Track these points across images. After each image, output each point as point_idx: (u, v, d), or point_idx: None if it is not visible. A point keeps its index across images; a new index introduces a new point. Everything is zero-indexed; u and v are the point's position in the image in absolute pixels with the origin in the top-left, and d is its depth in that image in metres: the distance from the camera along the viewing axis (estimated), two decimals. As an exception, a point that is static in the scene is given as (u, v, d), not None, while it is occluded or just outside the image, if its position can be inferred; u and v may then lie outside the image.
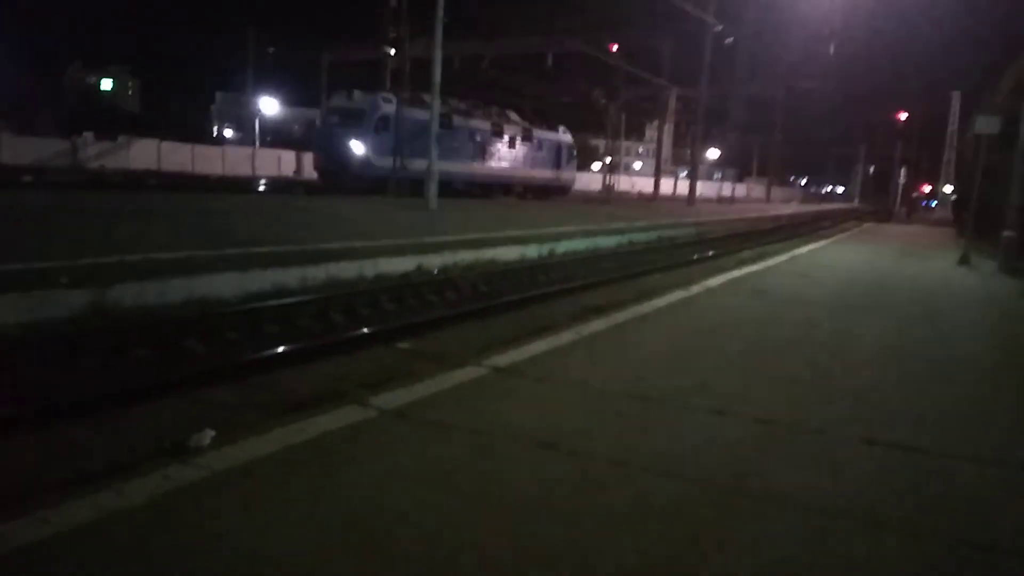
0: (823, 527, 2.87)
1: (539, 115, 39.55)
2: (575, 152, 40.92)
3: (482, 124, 32.26)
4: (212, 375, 5.78)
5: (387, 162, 25.91)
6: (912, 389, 5.05)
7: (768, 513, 2.96)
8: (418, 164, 24.43)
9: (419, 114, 26.02)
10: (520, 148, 34.50)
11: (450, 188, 27.20)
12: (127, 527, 2.56)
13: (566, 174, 38.95)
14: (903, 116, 71.29)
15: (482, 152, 31.47)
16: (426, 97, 26.75)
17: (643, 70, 41.78)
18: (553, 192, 36.39)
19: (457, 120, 30.42)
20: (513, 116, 36.10)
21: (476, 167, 31.06)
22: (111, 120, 55.56)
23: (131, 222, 11.62)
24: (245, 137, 58.05)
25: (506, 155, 33.56)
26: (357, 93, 28.41)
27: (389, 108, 27.17)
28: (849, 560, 2.65)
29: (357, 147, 26.57)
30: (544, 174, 35.87)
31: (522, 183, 34.27)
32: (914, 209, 76.57)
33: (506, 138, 33.65)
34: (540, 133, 36.19)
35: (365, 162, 26.69)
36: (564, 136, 38.57)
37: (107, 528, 2.54)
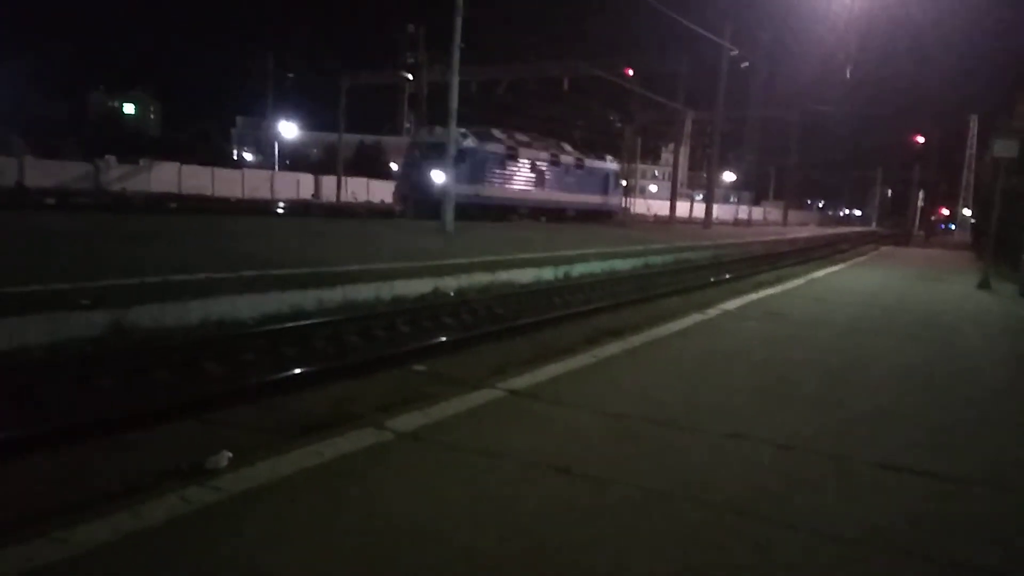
0: (839, 553, 2.84)
1: (587, 144, 41.97)
2: (620, 179, 43.30)
3: (542, 155, 34.54)
4: (229, 396, 5.82)
5: (465, 190, 28.04)
6: (930, 414, 4.99)
7: (784, 539, 2.93)
8: (490, 192, 30.33)
9: (492, 147, 30.76)
10: (574, 176, 36.84)
11: (515, 213, 31.37)
12: (144, 549, 2.57)
13: (613, 199, 41.45)
14: (920, 139, 71.04)
15: (542, 181, 33.83)
16: (495, 131, 32.42)
17: (659, 94, 41.91)
18: (602, 216, 38.60)
19: (523, 152, 33.10)
20: (567, 147, 38.75)
21: (537, 195, 33.57)
22: (133, 144, 56.28)
23: (151, 244, 11.75)
24: (264, 160, 58.72)
25: (563, 183, 35.97)
26: (438, 129, 30.04)
27: (468, 142, 29.69)
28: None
29: (439, 178, 28.00)
30: (595, 200, 38.29)
31: (575, 208, 36.50)
32: (932, 232, 76.05)
33: (562, 167, 36.02)
34: (590, 162, 38.63)
35: (447, 191, 28.20)
36: (611, 164, 41.22)
37: (123, 549, 2.55)
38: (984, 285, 14.16)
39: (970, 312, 10.72)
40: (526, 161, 33.31)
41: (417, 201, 29.03)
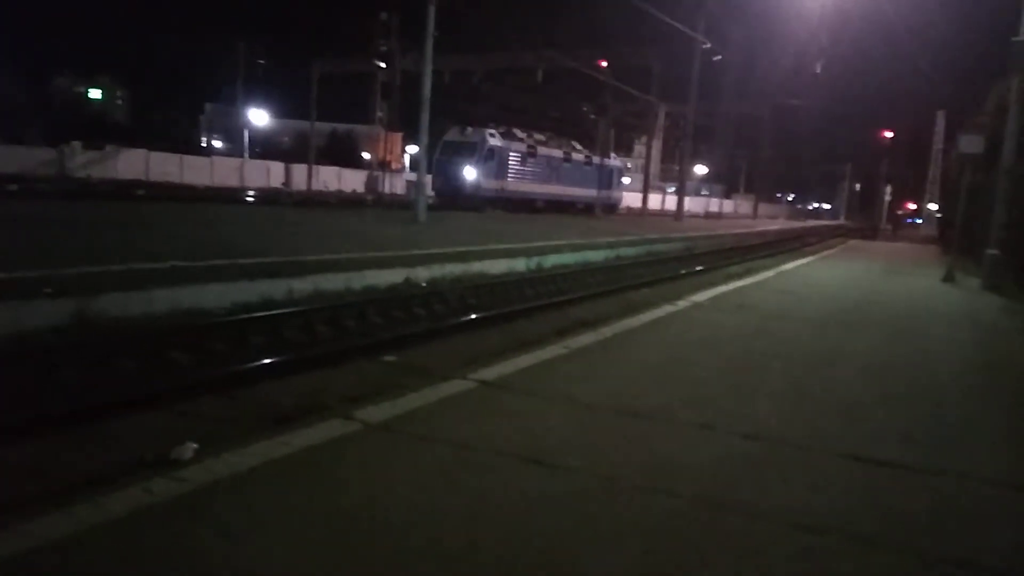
0: (809, 543, 2.87)
1: (592, 142, 44.67)
2: (622, 174, 48.46)
3: (556, 153, 38.22)
4: (196, 387, 5.74)
5: (492, 184, 33.37)
6: (896, 405, 5.07)
7: (753, 529, 2.95)
8: (516, 186, 34.73)
9: (517, 146, 35.30)
10: (583, 172, 40.59)
11: (532, 205, 34.93)
12: (106, 541, 2.53)
13: (616, 194, 45.34)
14: (888, 135, 72.08)
15: (557, 177, 37.25)
16: (516, 131, 36.73)
17: (632, 86, 42.04)
18: (605, 209, 41.31)
19: (540, 150, 37.01)
20: (577, 145, 42.90)
21: (552, 189, 37.07)
22: (99, 130, 55.19)
23: (117, 232, 11.55)
24: (234, 148, 57.96)
25: (574, 178, 39.70)
26: (469, 129, 34.72)
27: (494, 141, 34.01)
28: (834, 577, 2.64)
29: (470, 173, 32.97)
30: (601, 194, 41.04)
31: (584, 201, 39.62)
32: (899, 226, 77.23)
33: (573, 164, 39.95)
34: (597, 159, 41.78)
35: (476, 185, 33.14)
36: (615, 162, 45.59)
37: (85, 542, 2.50)
38: (949, 279, 14.39)
39: (935, 305, 10.89)
40: (543, 158, 36.91)
41: (449, 193, 32.84)
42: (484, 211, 29.85)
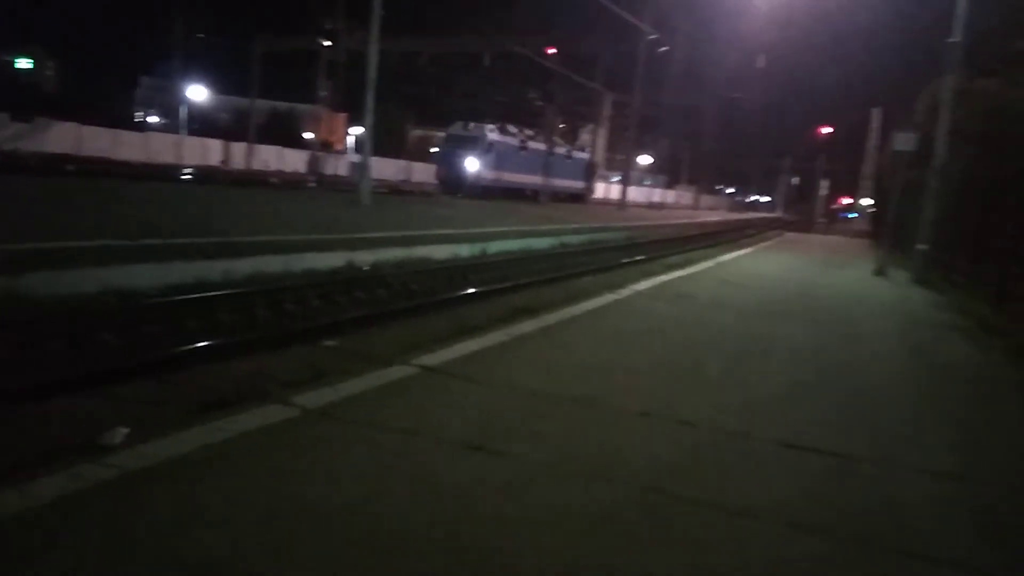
0: (745, 529, 2.93)
1: (567, 137, 49.84)
2: (596, 167, 53.85)
3: (543, 147, 41.36)
4: (128, 370, 5.56)
5: (491, 175, 37.83)
6: (827, 393, 5.22)
7: (691, 515, 3.00)
8: (509, 176, 39.17)
9: (511, 140, 40.62)
10: (564, 165, 44.76)
11: (521, 194, 39.02)
12: (30, 528, 2.43)
13: (592, 184, 51.30)
14: (826, 131, 73.93)
15: (543, 168, 39.86)
16: (509, 127, 42.06)
17: (579, 75, 42.29)
18: (581, 198, 46.89)
19: (531, 144, 41.60)
20: (558, 140, 47.40)
21: (539, 179, 39.93)
22: (27, 101, 52.87)
23: (44, 207, 11.11)
24: (170, 124, 56.25)
25: (557, 170, 42.75)
26: (471, 124, 39.23)
27: (493, 135, 38.60)
28: (770, 562, 2.71)
29: (471, 164, 37.23)
30: (578, 184, 46.86)
31: (563, 191, 43.99)
32: (834, 220, 79.40)
33: (556, 157, 43.20)
34: (575, 154, 47.81)
35: (477, 176, 37.24)
36: (589, 155, 51.64)
37: (9, 529, 2.41)
38: (880, 272, 14.87)
39: (867, 298, 11.24)
40: (532, 152, 40.93)
41: (451, 183, 36.91)
42: (484, 198, 32.78)
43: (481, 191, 35.61)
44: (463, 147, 37.69)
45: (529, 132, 43.56)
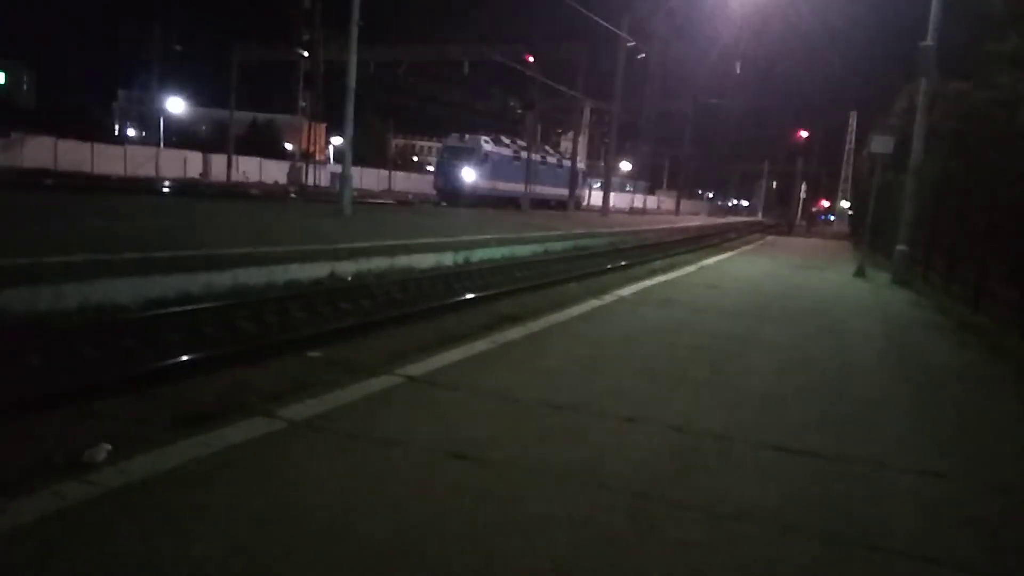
0: (733, 532, 2.94)
1: (518, 136, 49.52)
2: (586, 176, 56.19)
3: (536, 157, 42.45)
4: (110, 385, 5.51)
5: (487, 184, 39.65)
6: (813, 395, 5.25)
7: (679, 519, 3.01)
8: (503, 186, 40.68)
9: (505, 151, 42.21)
10: (556, 174, 46.90)
11: (512, 202, 39.72)
12: (13, 548, 2.40)
13: (582, 191, 53.22)
14: (804, 135, 74.62)
15: (537, 178, 41.61)
16: (503, 138, 43.75)
17: (558, 82, 42.46)
18: (565, 206, 47.10)
19: (523, 154, 42.08)
20: (550, 150, 51.42)
21: (533, 188, 41.10)
22: (3, 115, 52.38)
23: (22, 223, 11.00)
24: (149, 137, 55.88)
25: (549, 179, 45.58)
26: (467, 136, 41.11)
27: (488, 147, 40.47)
28: (758, 565, 2.72)
29: (468, 174, 39.08)
30: (567, 192, 47.32)
31: (554, 198, 45.68)
32: (814, 223, 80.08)
33: (549, 167, 46.12)
34: (566, 162, 48.64)
35: (474, 185, 39.12)
36: (580, 165, 51.91)
37: (-12, 551, 2.37)
38: (860, 274, 15.00)
39: (847, 299, 11.34)
40: (524, 161, 41.48)
41: (448, 192, 38.93)
42: (470, 207, 34.15)
43: (476, 200, 37.06)
44: (460, 158, 39.38)
45: (522, 143, 44.47)
